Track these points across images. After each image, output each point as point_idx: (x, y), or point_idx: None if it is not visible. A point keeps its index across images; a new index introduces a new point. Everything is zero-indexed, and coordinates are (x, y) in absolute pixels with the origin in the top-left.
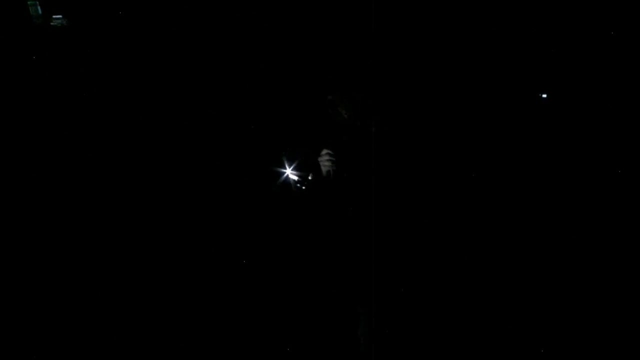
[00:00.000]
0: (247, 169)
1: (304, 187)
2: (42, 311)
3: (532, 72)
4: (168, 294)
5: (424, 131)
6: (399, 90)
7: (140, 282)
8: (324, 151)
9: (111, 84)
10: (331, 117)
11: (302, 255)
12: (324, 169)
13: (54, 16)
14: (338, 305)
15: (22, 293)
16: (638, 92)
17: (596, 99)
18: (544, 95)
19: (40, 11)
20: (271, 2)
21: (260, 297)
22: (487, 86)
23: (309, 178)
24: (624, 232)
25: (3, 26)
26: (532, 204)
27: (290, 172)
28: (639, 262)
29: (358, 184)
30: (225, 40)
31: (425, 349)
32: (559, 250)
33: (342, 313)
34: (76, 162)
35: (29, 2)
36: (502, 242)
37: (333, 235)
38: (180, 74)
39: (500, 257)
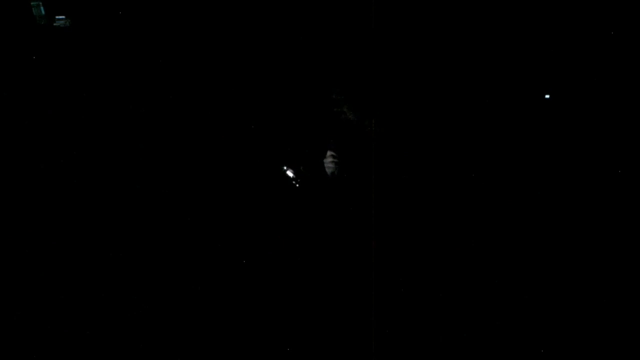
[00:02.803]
0: (248, 168)
1: (297, 185)
2: (42, 311)
3: (534, 73)
4: (167, 294)
5: (424, 131)
6: (400, 90)
7: (139, 281)
8: (329, 153)
9: (114, 85)
10: (335, 116)
11: (302, 255)
12: (328, 171)
13: (57, 17)
14: (338, 305)
15: (22, 293)
16: (638, 92)
17: (597, 100)
18: (547, 96)
19: (43, 12)
20: (273, 2)
21: (260, 297)
22: (489, 86)
23: (301, 170)
24: (624, 232)
25: (6, 27)
26: (533, 204)
27: (287, 169)
28: (639, 262)
29: (358, 184)
30: (226, 40)
31: (425, 349)
32: (559, 250)
33: (342, 313)
34: (77, 162)
35: (32, 3)
36: (502, 242)
37: (333, 235)
38: (182, 74)
39: (500, 257)
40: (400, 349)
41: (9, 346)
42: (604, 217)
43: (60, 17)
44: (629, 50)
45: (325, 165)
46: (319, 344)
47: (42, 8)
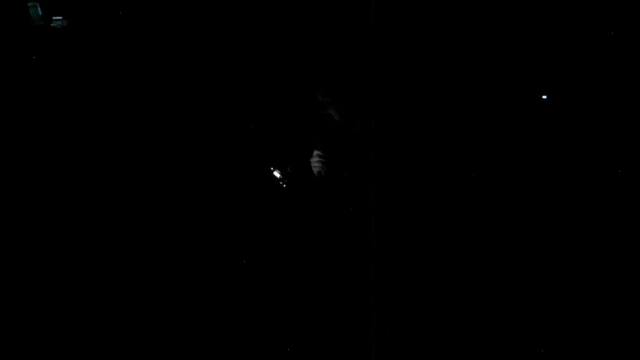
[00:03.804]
0: (240, 169)
1: (284, 185)
2: (42, 311)
3: (533, 73)
4: (166, 294)
5: (423, 131)
6: (400, 90)
7: (138, 282)
8: (315, 152)
9: (111, 85)
10: (322, 117)
11: (303, 255)
12: (315, 170)
13: (54, 17)
14: (338, 305)
15: (22, 293)
16: (638, 93)
17: (596, 100)
18: (544, 97)
19: (40, 12)
20: (262, 3)
21: (261, 297)
22: (487, 87)
23: (288, 170)
24: (624, 232)
25: (3, 27)
26: (533, 204)
27: (274, 170)
28: (639, 262)
29: (358, 184)
30: (220, 41)
31: (425, 349)
32: (560, 251)
33: (342, 313)
34: (76, 162)
35: (29, 4)
36: (502, 243)
37: (333, 235)
38: (177, 74)
39: (500, 258)
40: (400, 349)
41: (9, 346)
42: (603, 217)
43: (57, 17)
44: (629, 50)
45: (312, 165)
46: (319, 344)
47: (39, 9)
